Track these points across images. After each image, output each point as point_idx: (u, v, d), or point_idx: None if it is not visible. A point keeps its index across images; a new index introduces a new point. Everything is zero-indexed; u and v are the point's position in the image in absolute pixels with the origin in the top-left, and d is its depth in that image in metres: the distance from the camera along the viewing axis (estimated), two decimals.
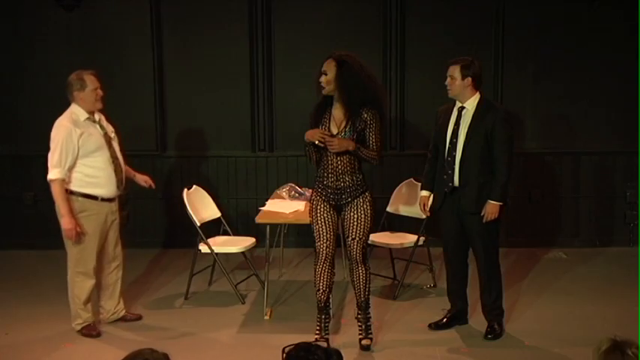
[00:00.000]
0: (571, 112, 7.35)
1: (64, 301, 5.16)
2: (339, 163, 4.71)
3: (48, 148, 4.85)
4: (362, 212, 4.73)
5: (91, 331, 5.08)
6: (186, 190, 5.98)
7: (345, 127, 4.67)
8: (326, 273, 4.81)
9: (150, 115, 7.34)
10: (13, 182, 7.46)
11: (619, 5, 7.13)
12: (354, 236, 4.74)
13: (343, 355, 2.42)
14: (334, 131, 4.70)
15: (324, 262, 4.79)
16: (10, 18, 7.28)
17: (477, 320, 5.20)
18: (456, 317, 5.24)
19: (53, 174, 4.87)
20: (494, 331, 5.04)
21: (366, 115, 4.66)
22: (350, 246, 4.78)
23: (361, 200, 4.73)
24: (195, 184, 6.23)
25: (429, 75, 7.20)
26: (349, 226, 4.75)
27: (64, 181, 4.88)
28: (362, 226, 4.74)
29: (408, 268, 6.01)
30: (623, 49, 7.18)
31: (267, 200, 6.08)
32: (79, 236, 4.92)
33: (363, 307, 4.88)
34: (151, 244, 7.28)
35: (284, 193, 6.09)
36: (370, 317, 4.93)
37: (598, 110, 7.33)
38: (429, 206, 5.22)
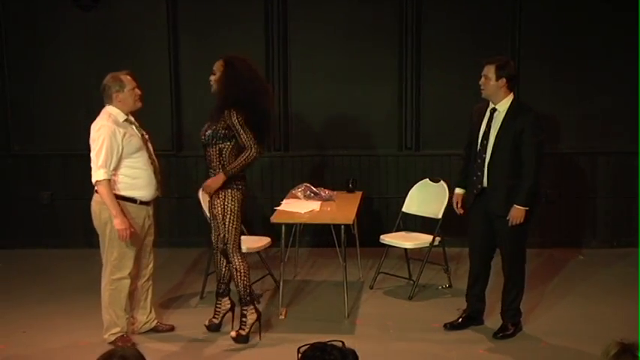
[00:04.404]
0: (587, 112, 7.28)
1: (81, 300, 5.15)
2: (207, 157, 4.88)
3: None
4: (219, 207, 4.84)
5: (126, 342, 4.81)
6: (201, 189, 5.98)
7: (208, 129, 4.81)
8: (219, 262, 5.05)
9: (166, 114, 7.35)
10: (29, 182, 7.50)
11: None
12: (218, 232, 4.90)
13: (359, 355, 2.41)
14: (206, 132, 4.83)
15: (215, 253, 5.06)
16: (27, 18, 7.31)
17: (493, 321, 5.17)
18: (472, 317, 5.22)
19: (99, 175, 4.65)
20: (504, 330, 5.02)
21: (228, 121, 4.72)
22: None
23: (221, 195, 4.83)
24: None
25: (446, 74, 7.17)
26: None
27: (110, 182, 4.69)
28: (218, 222, 4.86)
29: (424, 269, 5.99)
30: None
31: (282, 200, 6.07)
32: (133, 236, 4.73)
33: (242, 302, 4.94)
34: (166, 244, 7.27)
35: (299, 193, 6.08)
36: (245, 313, 4.92)
37: (615, 110, 7.26)
38: (461, 204, 5.19)
